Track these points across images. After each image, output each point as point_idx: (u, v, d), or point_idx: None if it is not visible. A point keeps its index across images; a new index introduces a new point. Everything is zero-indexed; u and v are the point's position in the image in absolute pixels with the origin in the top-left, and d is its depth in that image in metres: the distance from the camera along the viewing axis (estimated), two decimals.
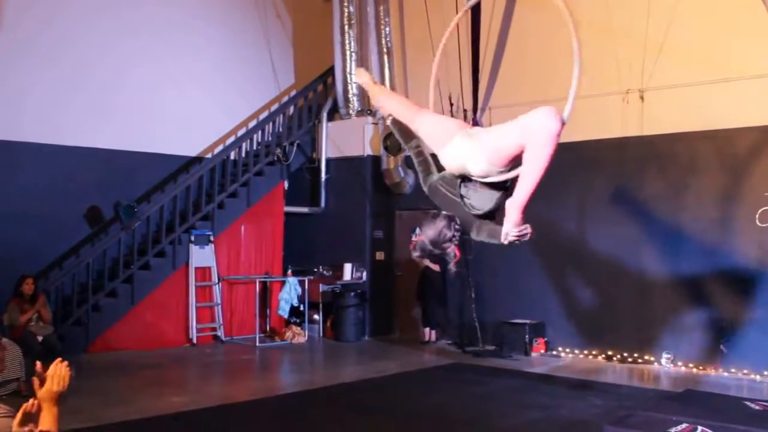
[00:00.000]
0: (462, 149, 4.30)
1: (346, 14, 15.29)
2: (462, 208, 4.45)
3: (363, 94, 15.53)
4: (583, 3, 12.59)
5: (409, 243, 4.76)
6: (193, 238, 13.86)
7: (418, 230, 4.85)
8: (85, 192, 13.27)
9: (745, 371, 10.88)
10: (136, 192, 13.98)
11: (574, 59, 4.18)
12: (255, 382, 11.14)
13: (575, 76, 4.19)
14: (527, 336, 12.70)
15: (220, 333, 14.17)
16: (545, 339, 12.83)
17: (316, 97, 16.24)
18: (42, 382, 3.58)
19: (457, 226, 4.55)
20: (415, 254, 4.76)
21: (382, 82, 14.96)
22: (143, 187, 14.23)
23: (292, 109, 15.95)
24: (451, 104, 13.31)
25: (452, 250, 4.71)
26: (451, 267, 4.95)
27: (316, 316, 14.97)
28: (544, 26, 12.20)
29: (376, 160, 15.06)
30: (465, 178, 4.39)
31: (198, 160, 15.04)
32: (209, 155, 15.16)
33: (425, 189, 4.73)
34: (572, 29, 4.32)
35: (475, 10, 12.98)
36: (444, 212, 4.58)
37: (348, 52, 15.34)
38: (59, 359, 3.69)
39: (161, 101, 14.33)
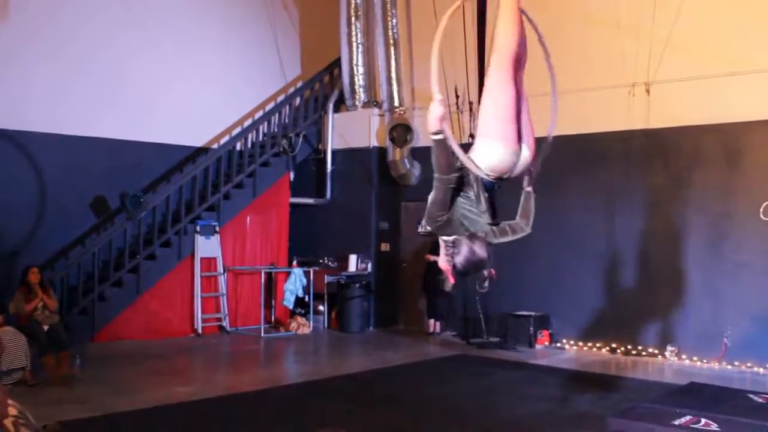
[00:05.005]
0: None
1: (352, 5, 15.28)
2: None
3: (369, 86, 15.53)
4: None
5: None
6: (198, 229, 13.88)
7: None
8: (91, 182, 13.30)
9: (749, 364, 10.89)
10: (142, 182, 14.00)
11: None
12: (260, 373, 11.17)
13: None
14: (532, 328, 12.72)
15: (225, 323, 14.21)
16: (549, 331, 12.85)
17: (323, 88, 16.24)
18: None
19: (488, 249, 4.65)
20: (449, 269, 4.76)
21: (389, 74, 14.98)
22: (149, 177, 14.26)
23: (298, 100, 15.96)
24: (457, 96, 13.28)
25: (488, 272, 4.77)
26: (485, 286, 4.88)
27: (321, 307, 14.99)
28: (549, 19, 12.18)
29: (382, 151, 15.07)
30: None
31: (204, 150, 15.06)
32: (215, 146, 15.17)
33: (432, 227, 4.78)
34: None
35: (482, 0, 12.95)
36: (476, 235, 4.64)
37: (354, 44, 15.33)
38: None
39: (167, 91, 14.34)
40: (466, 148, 4.59)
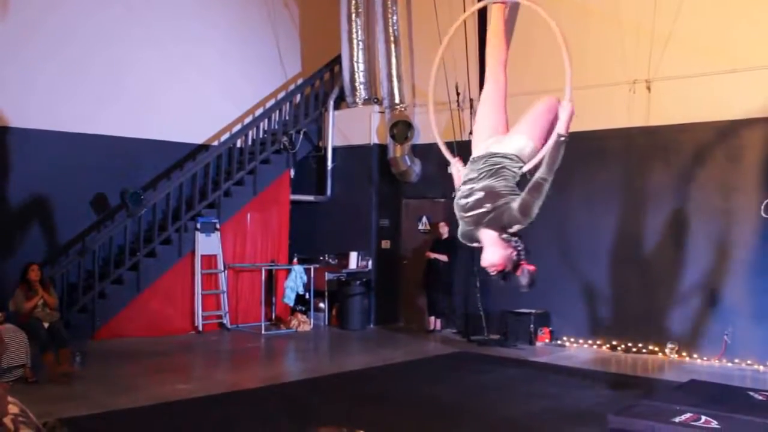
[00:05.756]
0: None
1: (353, 2, 15.28)
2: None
3: (370, 83, 15.52)
4: None
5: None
6: (199, 226, 13.88)
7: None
8: (91, 179, 13.29)
9: (749, 362, 10.89)
10: (143, 179, 14.00)
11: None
12: (260, 370, 11.18)
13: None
14: (532, 325, 12.72)
15: (226, 321, 14.22)
16: (550, 328, 12.85)
17: (323, 85, 16.24)
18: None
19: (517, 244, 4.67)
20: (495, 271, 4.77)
21: (389, 71, 14.98)
22: (149, 174, 14.25)
23: (298, 97, 15.95)
24: (458, 93, 13.28)
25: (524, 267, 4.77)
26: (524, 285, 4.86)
27: (321, 305, 15.00)
28: (551, 15, 12.17)
29: (382, 148, 15.07)
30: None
31: (204, 147, 15.05)
32: (216, 143, 15.17)
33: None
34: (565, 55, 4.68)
35: None
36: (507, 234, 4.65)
37: (355, 41, 15.33)
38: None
39: (168, 88, 14.33)
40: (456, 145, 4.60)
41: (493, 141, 4.88)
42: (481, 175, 4.69)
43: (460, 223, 4.82)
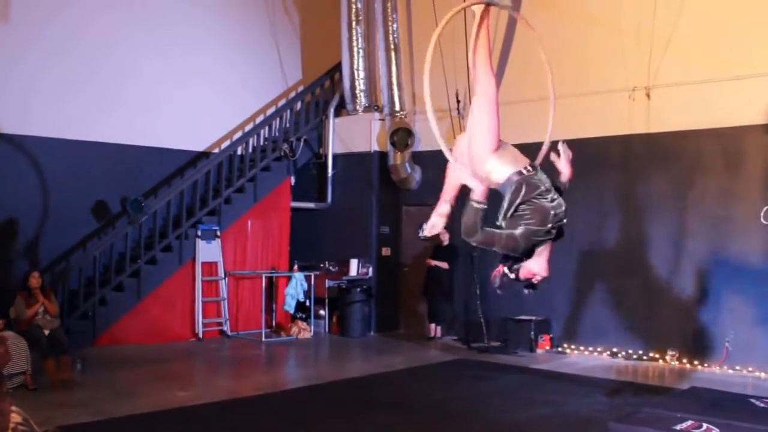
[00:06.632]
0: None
1: (353, 10, 15.30)
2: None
3: (370, 90, 15.54)
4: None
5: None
6: (199, 233, 13.88)
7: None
8: (92, 186, 13.30)
9: (750, 369, 10.88)
10: (144, 186, 14.01)
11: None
12: (261, 377, 11.16)
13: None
14: (532, 332, 12.71)
15: (226, 328, 14.20)
16: (550, 336, 12.84)
17: (323, 92, 16.26)
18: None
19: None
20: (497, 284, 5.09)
21: (389, 78, 15.00)
22: (150, 181, 14.26)
23: (299, 104, 15.96)
24: (458, 101, 13.30)
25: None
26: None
27: (321, 312, 14.99)
28: (550, 24, 12.19)
29: (382, 155, 15.07)
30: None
31: (205, 155, 15.07)
32: (216, 150, 15.18)
33: (474, 239, 4.93)
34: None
35: None
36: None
37: (355, 48, 15.35)
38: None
39: (169, 96, 14.35)
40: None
41: (501, 156, 4.89)
42: (550, 188, 4.80)
43: (529, 231, 4.80)
